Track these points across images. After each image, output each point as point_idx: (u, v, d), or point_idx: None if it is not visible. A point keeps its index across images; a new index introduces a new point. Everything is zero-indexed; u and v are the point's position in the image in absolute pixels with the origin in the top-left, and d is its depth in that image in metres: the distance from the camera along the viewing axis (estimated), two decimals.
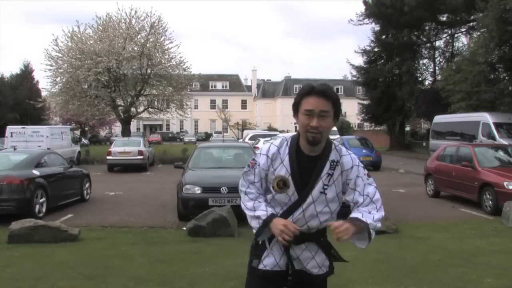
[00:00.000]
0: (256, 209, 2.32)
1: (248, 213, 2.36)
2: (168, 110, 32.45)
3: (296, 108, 2.30)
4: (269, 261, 2.34)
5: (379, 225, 2.27)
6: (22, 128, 21.07)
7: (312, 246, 2.35)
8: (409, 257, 6.17)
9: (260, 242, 2.37)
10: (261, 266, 2.34)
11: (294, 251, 2.32)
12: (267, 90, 77.08)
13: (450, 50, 35.96)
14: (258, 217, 2.30)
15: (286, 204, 2.31)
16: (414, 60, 36.30)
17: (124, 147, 20.68)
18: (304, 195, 2.26)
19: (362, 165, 2.36)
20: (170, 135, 64.41)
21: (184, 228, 7.80)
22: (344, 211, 2.43)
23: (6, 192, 8.64)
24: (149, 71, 29.03)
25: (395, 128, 38.02)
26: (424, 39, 36.19)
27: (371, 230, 2.26)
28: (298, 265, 2.33)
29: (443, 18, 33.43)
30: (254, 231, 2.33)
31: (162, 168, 22.03)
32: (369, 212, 2.27)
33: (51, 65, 28.11)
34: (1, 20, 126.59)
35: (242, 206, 2.41)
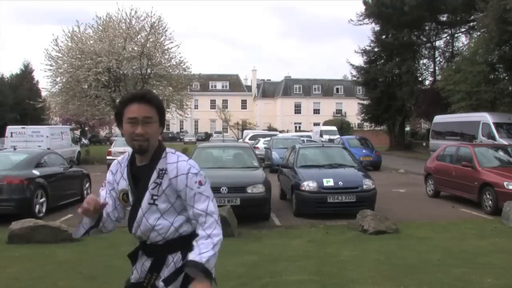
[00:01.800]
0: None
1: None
2: (168, 110, 32.41)
3: (119, 118, 2.21)
4: (137, 265, 2.32)
5: (212, 261, 2.13)
6: (22, 128, 21.07)
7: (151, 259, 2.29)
8: (409, 257, 6.16)
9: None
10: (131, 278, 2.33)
11: (138, 262, 2.29)
12: (267, 90, 77.08)
13: (450, 50, 35.98)
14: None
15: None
16: (414, 60, 36.32)
17: (124, 147, 20.58)
18: (134, 206, 2.20)
19: (195, 172, 2.18)
20: (170, 135, 64.41)
21: None
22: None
23: (6, 192, 8.64)
24: (149, 71, 29.01)
25: (395, 128, 38.03)
26: (424, 39, 36.21)
27: (208, 268, 2.10)
28: (141, 275, 2.26)
29: (443, 18, 33.46)
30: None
31: None
32: (199, 253, 2.08)
33: (51, 65, 28.07)
34: (1, 20, 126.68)
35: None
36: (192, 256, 2.08)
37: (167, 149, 2.28)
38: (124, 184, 2.26)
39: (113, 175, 2.31)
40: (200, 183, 2.17)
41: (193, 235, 2.17)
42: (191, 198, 2.15)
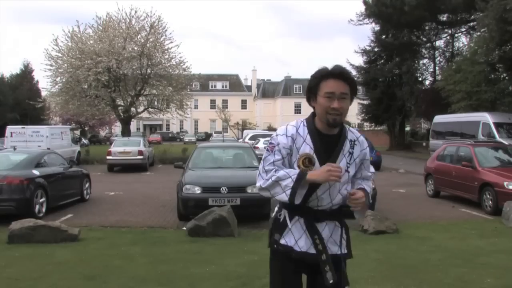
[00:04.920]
0: (280, 173, 2.28)
1: (269, 183, 2.30)
2: (168, 110, 32.43)
3: (313, 91, 2.32)
4: (289, 239, 2.35)
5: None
6: (22, 128, 21.05)
7: (330, 224, 2.40)
8: (409, 257, 6.17)
9: (281, 219, 2.38)
10: (282, 241, 2.35)
11: (306, 230, 2.35)
12: (267, 90, 77.06)
13: (450, 50, 35.99)
14: (286, 177, 2.25)
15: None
16: (414, 60, 36.32)
17: (124, 147, 20.67)
18: None
19: None
20: (170, 135, 64.40)
21: (184, 228, 7.80)
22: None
23: (6, 192, 8.64)
24: (149, 71, 29.01)
25: (395, 128, 38.03)
26: (424, 39, 36.21)
27: (369, 201, 2.48)
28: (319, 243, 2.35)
29: (443, 18, 33.45)
30: (285, 195, 2.26)
31: (162, 168, 22.03)
32: (368, 186, 2.47)
33: (51, 65, 28.09)
34: (1, 20, 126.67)
35: (259, 186, 2.36)
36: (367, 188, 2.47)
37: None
38: (307, 148, 2.31)
39: (292, 140, 2.33)
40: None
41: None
42: (368, 166, 2.50)
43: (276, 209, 2.49)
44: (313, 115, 2.39)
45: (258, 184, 2.36)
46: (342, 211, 2.43)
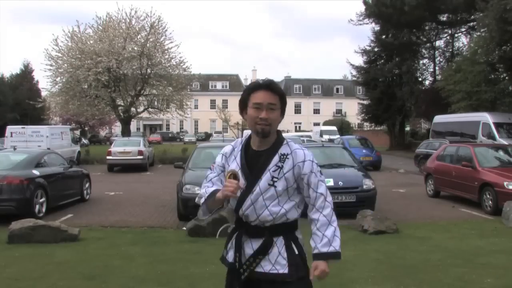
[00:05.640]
0: (208, 189, 2.43)
1: (200, 200, 2.45)
2: (168, 110, 32.45)
3: (243, 104, 2.41)
4: (230, 253, 2.44)
5: (337, 239, 2.36)
6: (22, 128, 21.07)
7: (258, 241, 2.38)
8: (409, 257, 6.17)
9: (229, 232, 2.49)
10: (226, 255, 2.46)
11: (243, 243, 2.39)
12: None
13: (450, 50, 35.99)
14: (204, 194, 2.41)
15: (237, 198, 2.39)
16: (414, 60, 36.31)
17: (124, 147, 20.68)
18: (250, 184, 2.33)
19: (316, 162, 2.41)
20: (170, 135, 64.39)
21: (184, 228, 7.80)
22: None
23: (6, 192, 8.64)
24: (149, 71, 29.02)
25: (395, 128, 38.04)
26: (424, 39, 36.20)
27: (335, 248, 2.35)
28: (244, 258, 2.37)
29: (443, 18, 33.45)
30: (200, 212, 2.46)
31: (162, 168, 22.04)
32: (324, 238, 2.34)
33: (51, 65, 28.11)
34: (1, 20, 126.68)
35: (197, 201, 2.49)
36: (323, 248, 2.33)
37: (287, 139, 2.45)
38: (234, 165, 2.40)
39: (225, 158, 2.47)
40: (321, 172, 2.41)
41: (296, 222, 2.40)
42: (316, 184, 2.36)
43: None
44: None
45: (196, 199, 2.51)
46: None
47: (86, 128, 56.16)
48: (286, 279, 2.30)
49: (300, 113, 73.13)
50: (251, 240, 2.36)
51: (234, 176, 2.29)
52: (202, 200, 2.42)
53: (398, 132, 38.14)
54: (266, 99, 2.32)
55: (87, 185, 11.72)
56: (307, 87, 75.04)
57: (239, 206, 2.36)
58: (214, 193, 2.36)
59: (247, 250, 2.36)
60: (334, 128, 40.54)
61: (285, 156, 2.35)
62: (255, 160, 2.36)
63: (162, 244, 6.93)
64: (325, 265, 2.32)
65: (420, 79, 37.25)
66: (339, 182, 9.29)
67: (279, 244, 2.34)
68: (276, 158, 2.34)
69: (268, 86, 2.36)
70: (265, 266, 2.33)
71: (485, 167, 10.48)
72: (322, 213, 2.35)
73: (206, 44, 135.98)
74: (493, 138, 18.33)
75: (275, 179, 2.31)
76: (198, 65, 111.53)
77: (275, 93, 2.35)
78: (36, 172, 9.46)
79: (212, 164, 2.56)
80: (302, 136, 28.27)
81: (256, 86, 2.39)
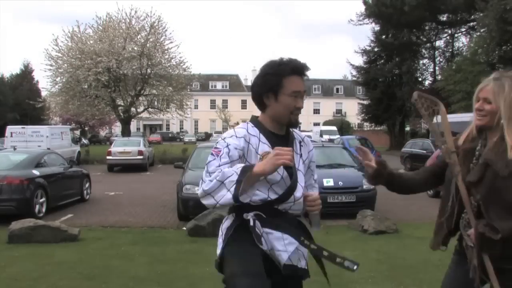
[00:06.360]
0: (225, 170, 1.98)
1: (212, 185, 1.97)
2: (168, 110, 32.45)
3: (273, 89, 2.09)
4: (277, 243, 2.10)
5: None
6: (22, 128, 21.05)
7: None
8: (409, 257, 6.16)
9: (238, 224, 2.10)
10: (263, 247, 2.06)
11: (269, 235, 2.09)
12: None
13: (450, 50, 36.04)
14: (231, 173, 1.95)
15: (277, 184, 2.07)
16: (414, 60, 36.36)
17: (124, 147, 20.68)
18: (290, 172, 2.09)
19: None
20: (170, 135, 64.36)
21: (184, 228, 7.80)
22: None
23: (6, 192, 8.64)
24: (149, 71, 29.03)
25: (395, 128, 38.06)
26: (424, 39, 36.25)
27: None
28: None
29: (443, 18, 33.50)
30: (229, 194, 1.93)
31: (162, 168, 22.03)
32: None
33: (51, 65, 28.12)
34: (1, 20, 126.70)
35: (201, 191, 2.03)
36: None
37: None
38: (266, 147, 2.10)
39: (244, 140, 2.10)
40: None
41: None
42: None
43: (227, 220, 2.20)
44: (256, 117, 2.26)
45: (200, 190, 2.04)
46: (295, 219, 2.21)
47: (86, 128, 56.15)
48: (306, 276, 2.22)
49: (300, 113, 73.09)
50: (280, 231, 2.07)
51: None
52: (232, 178, 1.92)
53: (398, 132, 38.15)
54: (303, 86, 2.12)
55: (87, 185, 11.72)
56: (307, 87, 73.52)
57: (289, 195, 2.07)
58: (247, 168, 1.95)
59: (278, 245, 2.06)
60: (334, 128, 40.53)
61: (300, 143, 2.25)
62: (281, 145, 2.05)
63: (162, 244, 6.93)
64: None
65: (420, 79, 37.33)
66: (339, 182, 9.29)
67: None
68: (297, 144, 2.22)
69: (303, 70, 2.12)
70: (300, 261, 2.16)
71: None
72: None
73: (206, 44, 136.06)
74: None
75: (300, 165, 2.19)
76: (198, 65, 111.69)
77: (304, 77, 2.15)
78: (36, 172, 9.46)
79: (214, 149, 2.12)
80: None
81: (293, 69, 2.08)
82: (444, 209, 2.20)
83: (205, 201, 2.03)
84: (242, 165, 1.99)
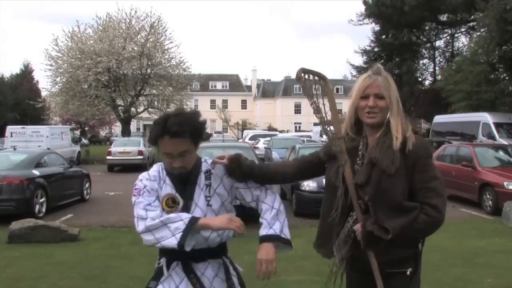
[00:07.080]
0: (170, 215, 2.08)
1: (155, 223, 2.06)
2: (168, 110, 32.46)
3: (155, 143, 2.14)
4: (167, 284, 2.17)
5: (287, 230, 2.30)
6: (22, 128, 21.07)
7: (214, 263, 2.25)
8: None
9: (160, 266, 2.23)
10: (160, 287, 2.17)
11: (198, 270, 2.18)
12: (267, 90, 77.05)
13: (450, 50, 36.01)
14: (176, 219, 2.02)
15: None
16: (414, 60, 36.31)
17: (124, 147, 20.69)
18: (188, 210, 2.13)
19: None
20: None
21: None
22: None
23: (6, 192, 8.64)
24: (149, 71, 29.04)
25: None
26: (424, 39, 36.22)
27: (283, 236, 2.29)
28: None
29: (443, 18, 33.48)
30: (174, 239, 2.01)
31: None
32: (272, 223, 2.35)
33: (51, 65, 28.13)
34: (1, 20, 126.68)
35: (141, 229, 2.11)
36: (273, 231, 2.34)
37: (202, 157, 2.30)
38: (169, 189, 2.16)
39: (156, 182, 2.19)
40: None
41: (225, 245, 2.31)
42: (248, 181, 2.29)
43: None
44: None
45: (139, 228, 2.11)
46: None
47: (86, 128, 56.11)
48: None
49: (300, 113, 73.09)
50: (203, 264, 2.20)
51: (172, 200, 2.14)
52: (178, 225, 2.01)
53: None
54: (176, 148, 2.11)
55: (87, 185, 11.72)
56: (307, 87, 74.95)
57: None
58: (195, 220, 2.04)
59: (199, 274, 2.17)
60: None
61: (208, 173, 2.22)
62: (184, 182, 2.16)
63: None
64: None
65: (420, 79, 37.26)
66: None
67: (223, 264, 2.29)
68: (202, 176, 2.20)
69: (176, 133, 2.07)
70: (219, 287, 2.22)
71: (485, 167, 10.48)
72: None
73: (206, 44, 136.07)
74: (493, 138, 18.33)
75: (208, 198, 2.17)
76: (198, 65, 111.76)
77: (185, 137, 2.10)
78: (36, 172, 9.46)
79: (134, 190, 2.21)
80: (302, 136, 28.25)
81: (161, 132, 2.07)
82: (330, 212, 2.12)
83: (145, 237, 2.11)
84: (190, 215, 2.06)
